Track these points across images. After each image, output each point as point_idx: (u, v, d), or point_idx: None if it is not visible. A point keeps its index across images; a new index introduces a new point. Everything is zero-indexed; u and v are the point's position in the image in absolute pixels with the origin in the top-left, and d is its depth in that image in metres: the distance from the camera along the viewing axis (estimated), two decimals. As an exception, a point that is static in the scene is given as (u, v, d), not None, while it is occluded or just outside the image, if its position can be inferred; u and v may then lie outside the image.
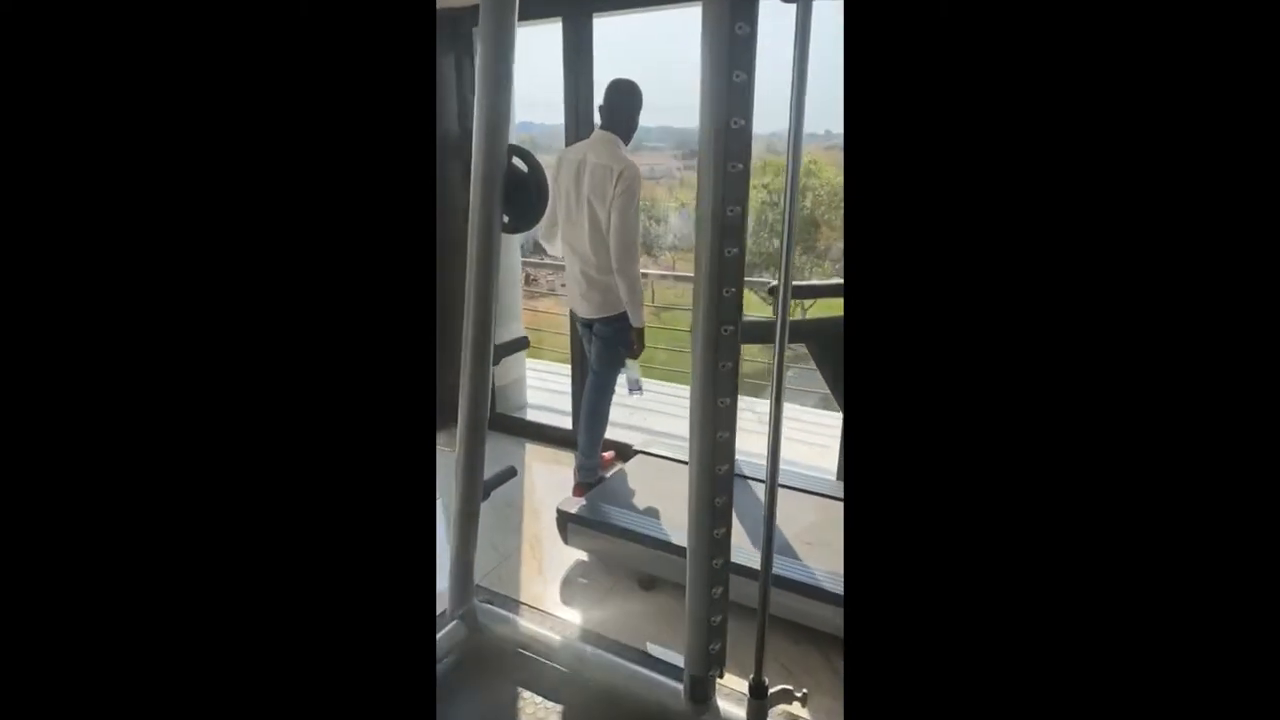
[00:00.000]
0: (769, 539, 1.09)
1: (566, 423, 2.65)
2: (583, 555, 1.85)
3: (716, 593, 1.15)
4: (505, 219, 1.24)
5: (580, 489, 2.12)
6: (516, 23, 1.14)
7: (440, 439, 2.59)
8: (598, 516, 1.76)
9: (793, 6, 0.86)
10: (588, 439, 2.10)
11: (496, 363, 1.36)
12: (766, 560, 1.10)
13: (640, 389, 2.12)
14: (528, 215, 1.25)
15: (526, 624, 1.50)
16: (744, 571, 1.39)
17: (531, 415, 2.89)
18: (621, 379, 2.10)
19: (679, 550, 1.66)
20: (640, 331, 1.97)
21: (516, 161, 1.22)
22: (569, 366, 2.62)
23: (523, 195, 1.23)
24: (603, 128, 1.89)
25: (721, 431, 1.05)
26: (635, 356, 2.03)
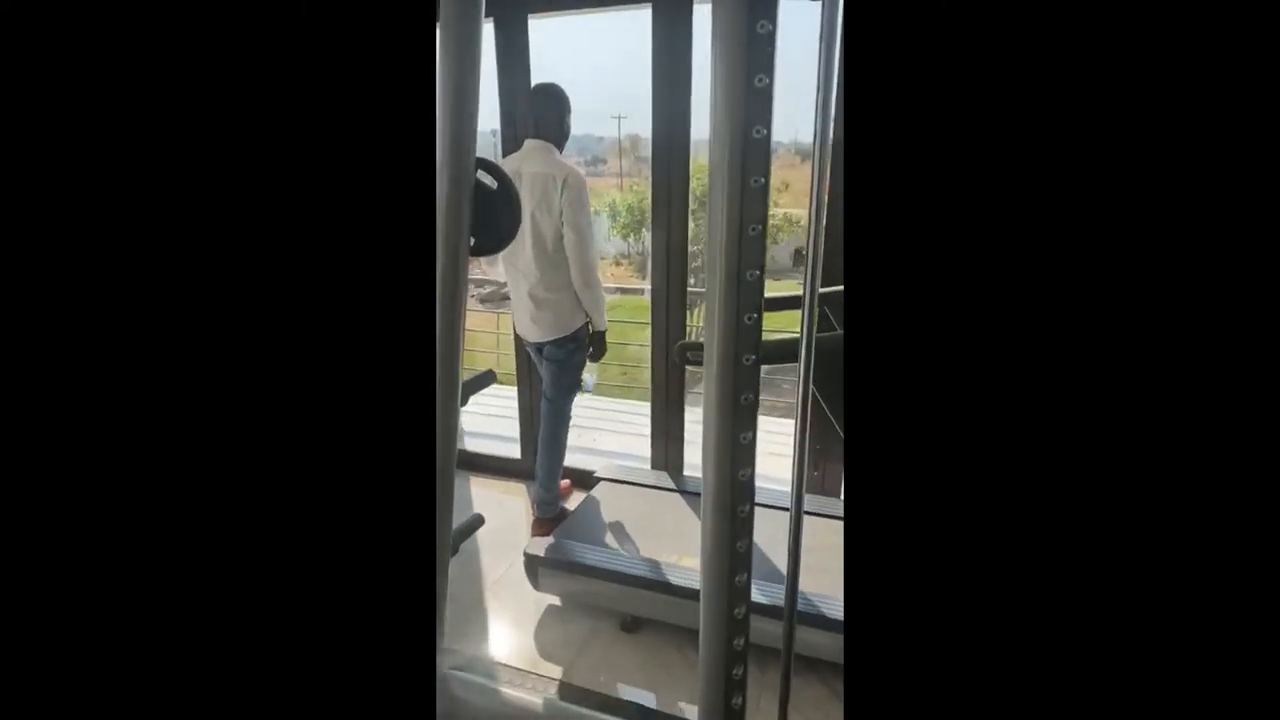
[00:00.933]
0: (794, 573, 1.01)
1: (509, 450, 2.48)
2: (554, 599, 1.71)
3: (738, 644, 1.06)
4: (472, 241, 1.10)
5: (541, 525, 1.97)
6: (482, 20, 1.01)
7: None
8: (569, 556, 1.62)
9: (815, 6, 0.79)
10: (546, 471, 1.95)
11: (464, 402, 1.20)
12: (791, 597, 1.03)
13: (590, 389, 2.06)
14: (498, 237, 1.11)
15: (507, 689, 1.34)
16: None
17: (470, 444, 2.70)
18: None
19: (663, 587, 1.56)
20: (602, 335, 1.89)
21: (483, 176, 1.08)
22: (509, 389, 2.47)
23: (492, 215, 1.09)
24: (533, 136, 1.78)
25: (742, 469, 0.96)
26: (597, 360, 1.95)
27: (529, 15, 1.99)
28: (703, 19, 1.80)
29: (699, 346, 0.96)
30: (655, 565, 1.59)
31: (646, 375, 2.26)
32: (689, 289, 2.10)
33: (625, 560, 1.61)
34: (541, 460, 1.96)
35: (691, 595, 1.51)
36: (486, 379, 1.33)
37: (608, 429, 2.94)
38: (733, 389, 0.92)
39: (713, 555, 1.03)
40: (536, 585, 1.65)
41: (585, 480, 2.13)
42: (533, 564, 1.63)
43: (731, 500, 0.98)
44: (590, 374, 2.08)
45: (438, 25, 1.00)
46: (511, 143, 2.05)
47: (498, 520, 2.16)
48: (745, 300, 0.89)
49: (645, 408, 2.24)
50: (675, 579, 1.54)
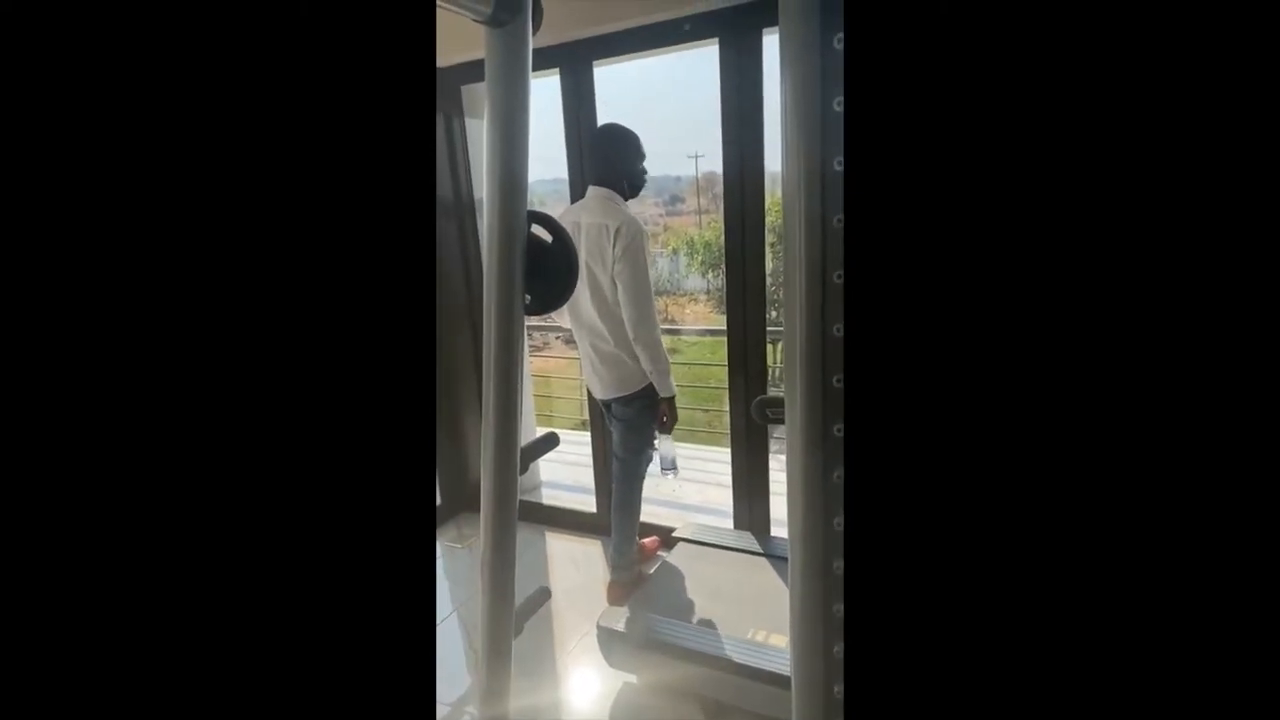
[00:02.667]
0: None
1: (589, 503, 2.38)
2: (630, 678, 1.57)
3: (840, 733, 0.89)
4: (528, 299, 1.02)
5: (616, 588, 1.85)
6: (530, 69, 0.94)
7: (445, 534, 2.32)
8: (645, 632, 1.49)
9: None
10: (620, 534, 1.84)
11: (524, 471, 1.12)
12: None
13: (675, 469, 1.86)
14: (555, 294, 1.03)
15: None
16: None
17: (548, 495, 2.63)
18: (654, 457, 1.85)
19: (749, 671, 1.38)
20: (671, 402, 1.73)
21: (537, 229, 1.01)
22: (585, 433, 2.38)
23: (548, 270, 1.01)
24: (596, 184, 1.69)
25: (836, 561, 0.81)
26: (668, 430, 1.79)
27: (594, 61, 1.96)
28: (773, 49, 1.70)
29: (781, 403, 0.83)
30: (741, 645, 1.42)
31: (726, 420, 2.11)
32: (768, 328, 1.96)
33: (704, 637, 1.45)
34: (615, 523, 1.84)
35: (782, 682, 1.33)
36: (549, 443, 1.24)
37: (684, 478, 2.79)
38: (821, 466, 0.77)
39: (803, 623, 0.87)
40: (609, 661, 1.52)
41: (671, 540, 1.99)
42: (607, 638, 1.51)
43: (825, 600, 0.82)
44: (666, 443, 1.85)
45: (485, 79, 0.94)
46: (579, 191, 2.01)
47: (572, 581, 2.05)
48: (832, 360, 0.75)
49: (727, 454, 2.08)
50: (764, 662, 1.36)
